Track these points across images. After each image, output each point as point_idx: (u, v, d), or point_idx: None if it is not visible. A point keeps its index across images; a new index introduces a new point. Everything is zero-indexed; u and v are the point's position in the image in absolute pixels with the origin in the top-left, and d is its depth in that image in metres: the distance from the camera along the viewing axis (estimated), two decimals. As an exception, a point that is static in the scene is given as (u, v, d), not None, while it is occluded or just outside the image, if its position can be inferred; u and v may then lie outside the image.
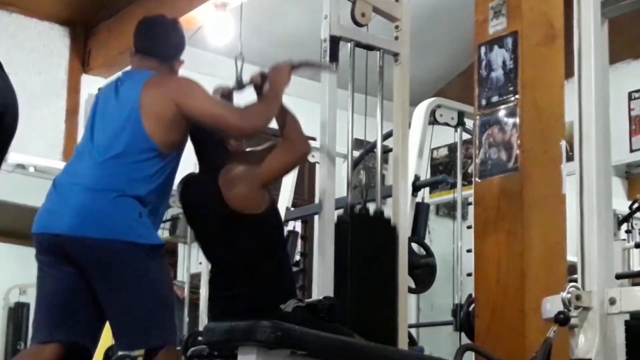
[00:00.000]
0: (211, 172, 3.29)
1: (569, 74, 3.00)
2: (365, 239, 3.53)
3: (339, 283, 3.41)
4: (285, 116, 3.35)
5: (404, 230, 3.65)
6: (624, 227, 6.45)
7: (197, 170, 3.44)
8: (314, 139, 3.86)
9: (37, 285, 3.18)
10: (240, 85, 3.46)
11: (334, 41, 3.52)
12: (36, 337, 3.14)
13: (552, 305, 2.09)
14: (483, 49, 3.99)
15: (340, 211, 3.52)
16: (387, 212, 3.65)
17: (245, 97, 3.43)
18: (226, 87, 3.48)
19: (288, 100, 3.40)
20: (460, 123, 5.38)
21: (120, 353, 5.96)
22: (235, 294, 3.24)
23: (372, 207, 3.63)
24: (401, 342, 3.54)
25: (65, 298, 3.10)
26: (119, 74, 3.38)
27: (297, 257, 6.06)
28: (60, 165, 6.81)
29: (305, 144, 3.37)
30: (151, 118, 3.13)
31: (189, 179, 3.41)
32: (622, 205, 6.39)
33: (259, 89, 3.39)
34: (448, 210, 7.74)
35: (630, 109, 7.86)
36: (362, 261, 3.47)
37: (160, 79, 3.24)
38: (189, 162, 3.44)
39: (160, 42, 3.37)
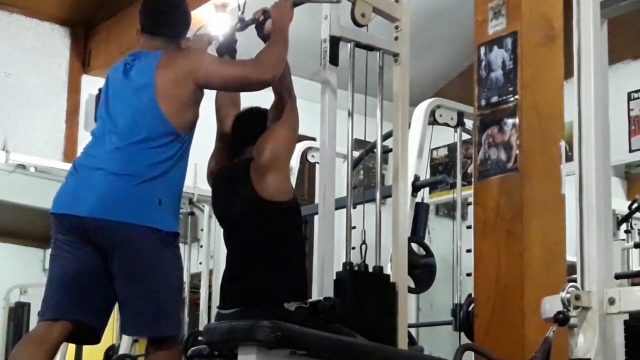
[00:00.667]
0: (243, 161, 3.34)
1: (568, 74, 3.01)
2: (365, 296, 3.50)
3: None
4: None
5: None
6: (623, 227, 6.46)
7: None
8: (314, 139, 3.88)
9: (51, 264, 3.20)
10: (243, 25, 3.47)
11: (334, 41, 3.52)
12: (45, 315, 3.15)
13: (551, 305, 2.09)
14: (483, 50, 4.00)
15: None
16: (386, 268, 3.63)
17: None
18: (229, 28, 3.49)
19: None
20: (460, 123, 5.39)
21: (120, 352, 5.98)
22: (242, 289, 3.25)
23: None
24: (401, 342, 3.54)
25: (82, 277, 3.12)
26: (126, 56, 3.37)
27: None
28: (61, 165, 6.85)
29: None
30: (168, 101, 3.16)
31: (222, 168, 3.45)
32: (621, 205, 6.40)
33: (260, 26, 3.40)
34: (448, 210, 7.74)
35: (629, 109, 7.86)
36: (361, 319, 3.42)
37: (170, 58, 3.25)
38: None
39: (166, 21, 3.37)
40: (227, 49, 3.56)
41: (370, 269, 3.53)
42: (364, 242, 3.54)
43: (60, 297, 3.13)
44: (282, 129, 3.32)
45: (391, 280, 3.57)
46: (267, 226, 3.26)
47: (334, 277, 3.43)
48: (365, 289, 3.49)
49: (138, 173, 3.10)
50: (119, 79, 3.29)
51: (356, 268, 3.48)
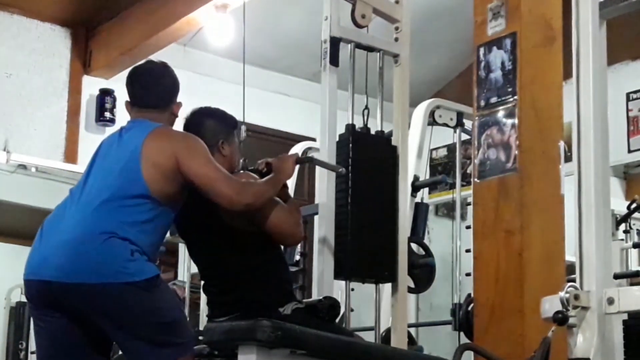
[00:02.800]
0: None
1: (567, 74, 3.02)
2: (366, 156, 3.58)
3: (338, 207, 3.47)
4: (289, 201, 3.35)
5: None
6: (622, 227, 6.47)
7: None
8: (313, 139, 3.89)
9: (35, 336, 3.15)
10: (245, 170, 3.46)
11: (334, 42, 3.53)
12: None
13: (550, 305, 2.10)
14: (482, 50, 4.01)
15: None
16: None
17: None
18: None
19: (288, 100, 3.42)
20: (459, 124, 5.40)
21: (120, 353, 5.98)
22: (232, 299, 3.25)
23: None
24: (400, 342, 3.55)
25: (64, 353, 3.07)
26: (124, 123, 3.33)
27: (297, 257, 6.05)
28: (62, 165, 6.85)
29: (301, 231, 3.34)
30: (150, 167, 3.07)
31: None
32: (620, 205, 6.41)
33: (263, 177, 3.34)
34: (447, 210, 7.75)
35: (628, 110, 7.87)
36: (362, 181, 3.51)
37: (164, 131, 3.20)
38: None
39: (154, 92, 3.31)
40: None
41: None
42: (366, 107, 3.55)
43: None
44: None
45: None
46: (243, 242, 3.25)
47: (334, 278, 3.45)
48: (367, 147, 3.57)
49: (108, 230, 2.98)
50: (112, 143, 3.22)
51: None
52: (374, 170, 3.61)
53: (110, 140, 3.26)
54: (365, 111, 3.60)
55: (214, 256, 3.33)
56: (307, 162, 3.40)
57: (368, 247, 3.53)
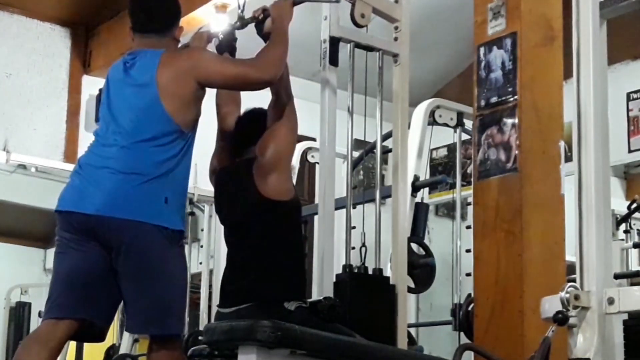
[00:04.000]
0: (245, 161, 3.35)
1: (567, 74, 3.02)
2: (365, 298, 3.50)
3: None
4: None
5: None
6: (623, 227, 6.47)
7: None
8: (313, 139, 3.88)
9: (56, 262, 3.20)
10: (243, 23, 3.47)
11: (334, 42, 3.52)
12: (50, 313, 3.14)
13: (550, 305, 2.09)
14: (482, 50, 4.00)
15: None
16: (386, 269, 3.64)
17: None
18: (229, 26, 3.49)
19: (288, 100, 3.42)
20: (460, 124, 5.39)
21: (121, 352, 5.98)
22: (242, 289, 3.26)
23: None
24: (400, 342, 3.55)
25: (88, 275, 3.12)
26: (124, 55, 3.37)
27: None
28: (61, 165, 6.85)
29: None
30: (171, 100, 3.17)
31: (224, 167, 3.47)
32: (620, 205, 6.41)
33: (260, 25, 3.41)
34: (447, 210, 7.75)
35: (628, 110, 7.87)
36: (361, 320, 3.43)
37: (171, 56, 3.25)
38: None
39: (155, 16, 3.35)
40: (227, 47, 3.57)
41: (370, 271, 3.53)
42: (363, 245, 3.55)
43: (66, 295, 3.13)
44: (283, 129, 3.33)
45: (391, 282, 3.57)
46: (269, 225, 3.27)
47: (334, 279, 3.44)
48: (365, 291, 3.50)
49: (144, 171, 3.11)
50: (120, 77, 3.29)
51: (356, 270, 3.48)
52: (373, 312, 3.51)
53: (116, 75, 3.33)
54: (363, 249, 3.54)
55: (238, 239, 3.37)
56: (304, 1, 3.40)
57: None
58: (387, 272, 3.64)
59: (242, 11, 3.50)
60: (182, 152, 3.21)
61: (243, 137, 3.43)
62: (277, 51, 3.30)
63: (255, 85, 3.28)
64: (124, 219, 3.07)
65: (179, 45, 3.47)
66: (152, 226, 3.08)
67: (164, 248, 3.12)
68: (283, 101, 3.39)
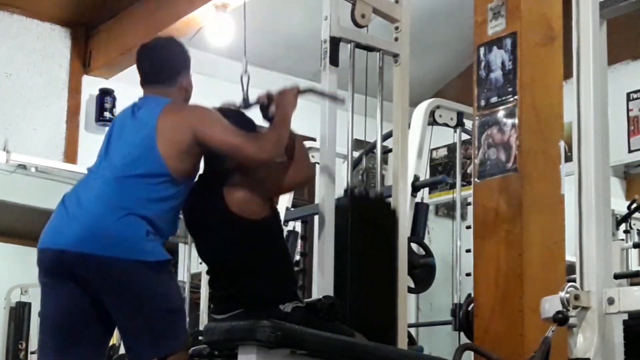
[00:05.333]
0: (216, 175, 3.30)
1: (567, 74, 3.02)
2: (365, 222, 3.54)
3: (337, 271, 3.43)
4: (292, 138, 3.35)
5: (404, 213, 3.67)
6: (623, 227, 6.47)
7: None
8: (313, 139, 3.88)
9: (41, 307, 3.16)
10: (246, 105, 3.46)
11: (334, 42, 3.53)
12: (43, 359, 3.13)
13: (550, 305, 2.09)
14: (482, 50, 4.00)
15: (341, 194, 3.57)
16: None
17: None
18: (232, 104, 3.46)
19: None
20: (460, 124, 5.39)
21: (121, 353, 5.98)
22: (234, 294, 3.25)
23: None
24: (401, 342, 3.55)
25: (70, 318, 3.08)
26: (136, 99, 3.35)
27: (297, 257, 6.06)
28: (61, 165, 6.85)
29: (310, 168, 3.46)
30: (166, 143, 3.12)
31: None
32: (620, 205, 6.41)
33: (265, 109, 3.38)
34: (447, 210, 7.74)
35: (628, 110, 7.86)
36: (361, 246, 3.49)
37: (177, 106, 3.23)
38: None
39: (158, 68, 3.34)
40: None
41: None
42: (365, 170, 3.55)
43: (55, 341, 3.11)
44: (287, 170, 3.31)
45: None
46: (248, 239, 3.25)
47: (334, 279, 3.44)
48: (366, 213, 3.54)
49: (126, 206, 3.04)
50: (126, 119, 3.26)
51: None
52: (373, 235, 3.57)
53: (123, 117, 3.30)
54: (365, 174, 3.58)
55: (219, 249, 3.33)
56: (308, 93, 3.40)
57: (367, 313, 3.47)
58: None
59: (246, 94, 3.50)
60: (171, 199, 3.15)
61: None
62: (277, 135, 3.26)
63: (249, 161, 3.22)
64: (101, 255, 2.98)
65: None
66: (134, 262, 3.00)
67: (149, 279, 3.04)
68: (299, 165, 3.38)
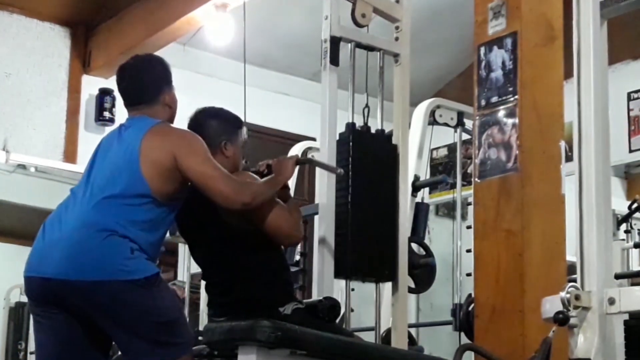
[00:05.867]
0: None
1: (568, 74, 3.01)
2: (366, 155, 3.58)
3: (339, 205, 3.47)
4: (290, 202, 3.35)
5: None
6: (623, 227, 6.47)
7: None
8: (313, 139, 3.88)
9: (35, 335, 3.13)
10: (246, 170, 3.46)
11: (335, 42, 3.53)
12: None
13: (551, 305, 2.09)
14: (482, 50, 4.00)
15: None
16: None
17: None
18: None
19: (288, 100, 3.42)
20: (460, 123, 5.39)
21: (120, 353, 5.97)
22: (232, 299, 3.25)
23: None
24: (401, 342, 3.55)
25: (66, 349, 3.06)
26: (123, 121, 3.32)
27: (297, 257, 6.05)
28: (61, 165, 6.85)
29: (301, 232, 3.36)
30: (149, 165, 3.07)
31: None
32: (621, 205, 6.41)
33: (263, 178, 3.35)
34: (448, 210, 7.74)
35: (629, 109, 7.87)
36: (362, 179, 3.52)
37: (163, 128, 3.19)
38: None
39: (137, 88, 3.29)
40: None
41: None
42: (366, 105, 3.55)
43: None
44: (276, 210, 3.24)
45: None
46: (243, 243, 3.25)
47: (334, 279, 3.44)
48: (367, 146, 3.57)
49: (107, 228, 2.97)
50: (112, 141, 3.21)
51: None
52: (374, 168, 3.61)
53: (110, 138, 3.25)
54: (366, 109, 3.60)
55: (214, 256, 3.33)
56: (307, 164, 3.41)
57: (368, 246, 3.53)
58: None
59: (247, 162, 3.49)
60: (154, 221, 3.09)
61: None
62: (262, 188, 3.20)
63: (223, 200, 3.10)
64: (86, 280, 2.93)
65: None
66: (121, 282, 2.94)
67: (140, 296, 2.98)
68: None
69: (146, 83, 3.30)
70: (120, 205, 3.03)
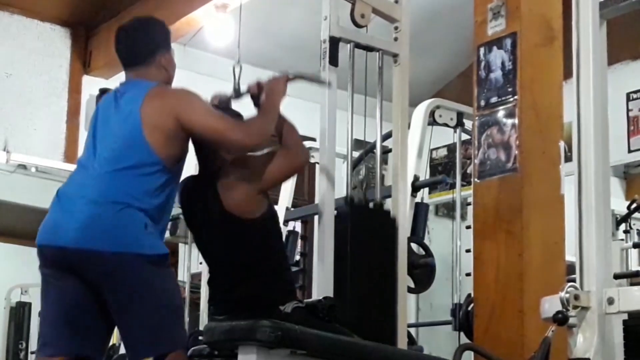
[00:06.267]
0: (211, 175, 3.30)
1: (567, 74, 3.02)
2: (365, 230, 3.53)
3: (337, 277, 3.42)
4: (283, 124, 3.35)
5: (404, 223, 3.65)
6: (622, 227, 6.47)
7: (197, 172, 3.45)
8: (313, 139, 3.88)
9: (42, 297, 3.14)
10: (237, 94, 3.46)
11: (334, 42, 3.52)
12: (43, 352, 3.11)
13: (550, 305, 2.09)
14: (482, 50, 4.00)
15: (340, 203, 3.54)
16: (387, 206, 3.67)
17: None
18: (224, 95, 3.46)
19: (288, 100, 3.42)
20: (460, 124, 5.39)
21: (121, 352, 5.98)
22: (234, 297, 3.25)
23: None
24: (400, 342, 3.55)
25: (72, 311, 3.07)
26: (117, 84, 3.33)
27: (297, 257, 6.06)
28: (61, 165, 6.86)
29: (304, 153, 3.39)
30: (153, 132, 3.10)
31: (188, 182, 3.41)
32: (620, 205, 6.41)
33: (256, 98, 3.39)
34: (447, 210, 7.74)
35: (628, 110, 7.88)
36: (361, 253, 3.47)
37: (159, 90, 3.20)
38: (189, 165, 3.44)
39: (132, 48, 3.31)
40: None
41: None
42: (364, 179, 3.53)
43: (55, 333, 3.09)
44: (278, 159, 3.27)
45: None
46: (245, 240, 3.24)
47: (334, 279, 3.44)
48: (365, 222, 3.53)
49: (122, 200, 3.02)
50: (109, 108, 3.23)
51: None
52: (373, 243, 3.55)
53: (106, 105, 3.26)
54: (364, 181, 3.54)
55: (217, 250, 3.33)
56: (297, 78, 3.41)
57: (367, 325, 3.45)
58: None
59: (238, 84, 3.49)
60: (163, 186, 3.13)
61: (200, 148, 3.34)
62: (264, 122, 3.25)
63: (231, 146, 3.21)
64: (102, 250, 2.97)
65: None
66: (133, 255, 2.99)
67: (148, 274, 3.02)
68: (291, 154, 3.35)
69: (141, 43, 3.32)
70: (130, 177, 3.06)
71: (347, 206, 3.50)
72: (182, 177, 3.35)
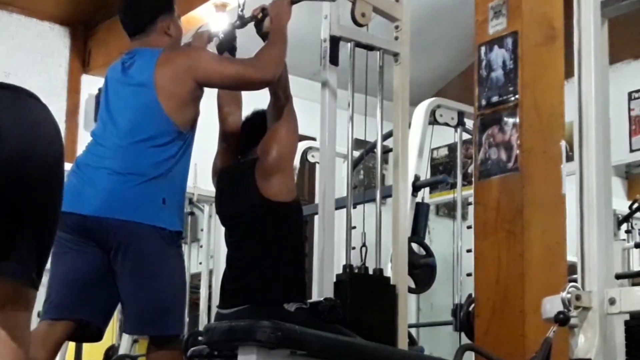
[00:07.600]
0: (249, 162, 3.35)
1: (569, 74, 3.00)
2: (365, 299, 3.48)
3: None
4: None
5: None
6: (624, 227, 6.46)
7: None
8: (314, 138, 3.88)
9: (54, 262, 3.16)
10: (242, 21, 3.48)
11: (334, 41, 3.52)
12: (48, 314, 3.13)
13: (551, 305, 2.08)
14: (483, 49, 4.00)
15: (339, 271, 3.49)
16: (386, 269, 3.63)
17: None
18: (228, 23, 3.49)
19: (288, 100, 3.41)
20: (460, 123, 5.38)
21: (120, 353, 5.97)
22: (243, 288, 3.26)
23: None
24: (401, 342, 3.54)
25: (85, 276, 3.12)
26: (122, 54, 3.37)
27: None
28: (61, 165, 6.84)
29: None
30: (170, 100, 3.15)
31: (226, 167, 3.46)
32: (622, 205, 6.40)
33: (259, 24, 3.41)
34: (448, 210, 7.75)
35: (630, 109, 7.86)
36: (362, 321, 3.41)
37: (169, 56, 3.23)
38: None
39: (133, 15, 3.35)
40: (227, 46, 3.57)
41: (371, 272, 3.51)
42: (364, 245, 3.53)
43: (63, 296, 3.13)
44: (283, 129, 3.33)
45: (391, 282, 3.56)
46: (269, 226, 3.27)
47: (334, 279, 3.43)
48: (365, 291, 3.48)
49: (142, 172, 3.09)
50: (118, 77, 3.28)
51: (356, 271, 3.46)
52: (374, 311, 3.50)
53: (115, 76, 3.31)
54: (363, 249, 3.51)
55: (243, 236, 3.36)
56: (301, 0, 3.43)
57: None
58: (388, 272, 3.63)
59: (242, 10, 3.51)
60: (180, 153, 3.19)
61: (249, 138, 3.43)
62: (276, 51, 3.30)
63: (253, 85, 3.27)
64: (121, 219, 3.05)
65: (182, 44, 3.47)
66: (150, 227, 3.06)
67: (161, 249, 3.10)
68: (282, 102, 3.39)
69: (142, 9, 3.35)
70: (150, 147, 3.13)
71: (346, 274, 3.43)
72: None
